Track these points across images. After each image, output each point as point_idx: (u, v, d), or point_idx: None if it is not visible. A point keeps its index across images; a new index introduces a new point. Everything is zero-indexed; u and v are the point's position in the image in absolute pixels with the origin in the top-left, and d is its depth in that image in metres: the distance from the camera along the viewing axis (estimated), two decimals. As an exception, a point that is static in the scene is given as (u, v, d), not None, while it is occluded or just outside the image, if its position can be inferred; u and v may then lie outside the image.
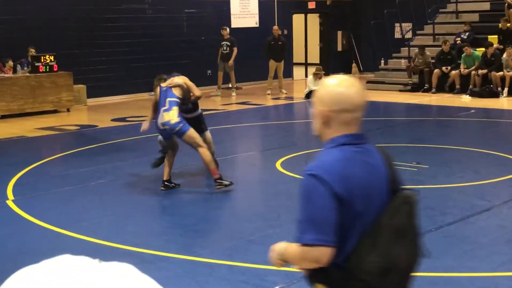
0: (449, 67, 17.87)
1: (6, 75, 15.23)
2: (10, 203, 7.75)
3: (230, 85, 18.82)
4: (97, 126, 13.81)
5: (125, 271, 0.95)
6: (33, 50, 15.76)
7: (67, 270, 0.85)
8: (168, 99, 8.08)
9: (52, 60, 15.51)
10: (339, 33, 24.50)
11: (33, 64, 15.34)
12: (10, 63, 15.50)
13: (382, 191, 2.53)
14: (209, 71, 20.22)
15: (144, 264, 5.78)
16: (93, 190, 8.40)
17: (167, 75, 8.56)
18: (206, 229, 6.90)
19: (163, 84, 8.24)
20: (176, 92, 8.18)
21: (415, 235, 2.55)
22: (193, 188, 8.40)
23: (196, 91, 8.42)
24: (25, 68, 15.54)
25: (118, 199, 7.99)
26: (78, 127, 13.68)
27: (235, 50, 18.14)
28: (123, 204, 7.70)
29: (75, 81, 16.16)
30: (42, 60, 15.39)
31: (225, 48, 18.24)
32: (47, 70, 15.46)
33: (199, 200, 7.90)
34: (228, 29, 18.51)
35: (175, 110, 8.03)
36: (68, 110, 15.76)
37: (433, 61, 18.43)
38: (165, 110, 7.98)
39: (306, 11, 23.77)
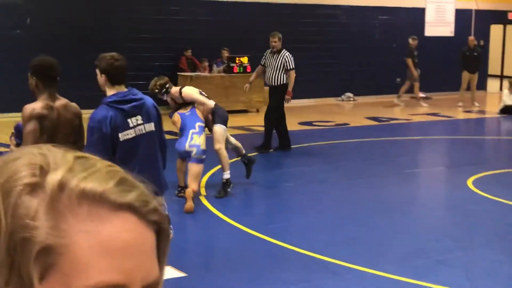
0: None
1: (203, 73, 15.96)
2: (202, 198, 8.07)
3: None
4: (284, 128, 14.03)
5: None
6: (226, 52, 16.38)
7: None
8: (198, 123, 7.84)
9: (246, 61, 16.03)
10: (540, 45, 23.09)
11: (228, 65, 15.93)
12: (205, 63, 16.24)
13: None
14: (398, 79, 19.91)
15: (329, 274, 5.77)
16: (280, 192, 8.53)
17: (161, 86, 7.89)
18: (394, 244, 6.74)
19: (183, 111, 7.92)
20: (200, 115, 7.97)
21: None
22: (378, 201, 8.26)
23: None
24: (220, 67, 16.20)
25: (305, 204, 8.04)
26: (267, 128, 13.96)
27: None
28: (310, 210, 7.74)
29: (265, 83, 16.51)
30: (237, 61, 15.95)
31: None
32: (241, 71, 16.00)
33: (387, 212, 7.75)
34: None
35: (204, 136, 7.83)
36: (257, 110, 16.18)
37: None
38: (195, 133, 7.69)
39: (505, 22, 22.63)
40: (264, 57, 11.50)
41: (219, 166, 9.89)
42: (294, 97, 18.13)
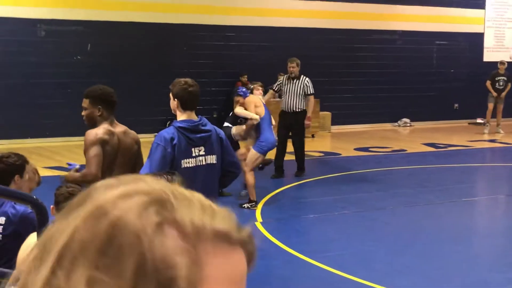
0: None
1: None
2: (258, 225, 8.06)
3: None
4: (340, 154, 13.97)
5: None
6: (281, 77, 16.41)
7: None
8: (272, 118, 9.31)
9: (302, 86, 16.03)
10: None
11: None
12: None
13: None
14: (456, 105, 19.66)
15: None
16: (337, 219, 8.46)
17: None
18: (453, 274, 6.60)
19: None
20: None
21: None
22: (437, 230, 8.10)
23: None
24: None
25: (362, 232, 7.95)
26: (322, 154, 13.93)
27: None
28: (367, 238, 7.65)
29: (321, 108, 16.53)
30: (292, 86, 15.97)
31: None
32: (296, 96, 15.99)
33: (446, 241, 7.59)
34: None
35: None
36: (312, 136, 16.12)
37: None
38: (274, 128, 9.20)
39: None
40: (278, 82, 11.44)
41: (276, 192, 9.88)
42: (350, 122, 18.23)
